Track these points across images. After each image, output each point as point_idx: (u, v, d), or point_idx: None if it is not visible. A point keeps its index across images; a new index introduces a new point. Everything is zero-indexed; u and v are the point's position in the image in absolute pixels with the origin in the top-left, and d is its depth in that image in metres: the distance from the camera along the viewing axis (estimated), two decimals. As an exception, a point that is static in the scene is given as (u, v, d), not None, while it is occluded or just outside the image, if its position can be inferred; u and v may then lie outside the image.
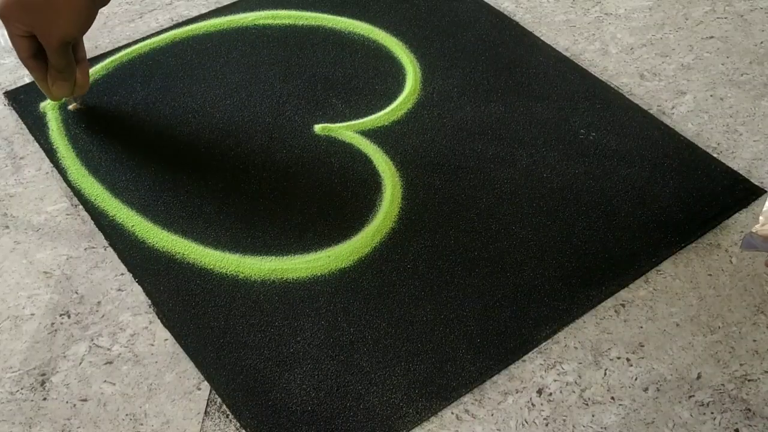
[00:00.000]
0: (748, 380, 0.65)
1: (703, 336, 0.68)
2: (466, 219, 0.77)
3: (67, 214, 0.78)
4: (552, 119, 0.87)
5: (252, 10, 1.02)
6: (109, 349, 0.68)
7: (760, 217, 0.66)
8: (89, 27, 0.73)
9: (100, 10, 1.00)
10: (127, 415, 0.63)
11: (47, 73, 0.74)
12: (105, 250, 0.75)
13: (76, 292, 0.72)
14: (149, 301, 0.71)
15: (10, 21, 0.66)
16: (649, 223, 0.77)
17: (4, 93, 0.91)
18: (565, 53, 0.96)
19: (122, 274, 0.73)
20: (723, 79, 0.93)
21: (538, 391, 0.65)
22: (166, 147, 0.84)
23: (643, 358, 0.67)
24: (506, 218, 0.77)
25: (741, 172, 0.82)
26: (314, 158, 0.83)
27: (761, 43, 0.98)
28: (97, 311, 0.70)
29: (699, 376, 0.66)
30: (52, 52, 0.70)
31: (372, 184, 0.81)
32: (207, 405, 0.64)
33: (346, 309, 0.70)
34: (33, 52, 0.70)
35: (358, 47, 0.96)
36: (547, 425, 0.63)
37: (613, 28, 1.00)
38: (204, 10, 1.02)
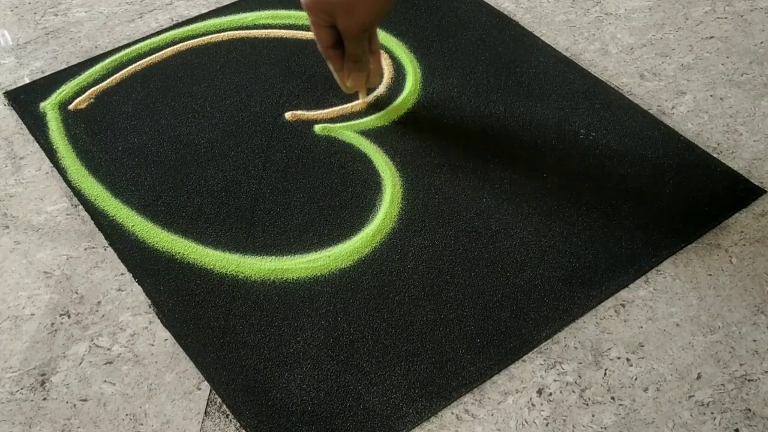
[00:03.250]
0: (748, 380, 0.65)
1: (703, 336, 0.68)
2: (466, 219, 0.77)
3: (67, 214, 0.78)
4: (552, 119, 0.87)
5: (252, 10, 1.02)
6: (109, 349, 0.68)
7: None
8: (385, 15, 0.75)
9: (99, 10, 1.01)
10: (127, 415, 0.63)
11: (344, 64, 0.76)
12: (105, 250, 0.75)
13: (76, 292, 0.72)
14: (149, 301, 0.71)
15: (314, 12, 0.70)
16: (649, 223, 0.77)
17: (4, 93, 0.91)
18: (565, 53, 0.96)
19: (122, 274, 0.73)
20: (723, 79, 0.93)
21: (538, 391, 0.65)
22: (166, 147, 0.84)
23: (643, 358, 0.67)
24: (506, 218, 0.77)
25: (741, 172, 0.82)
26: (314, 158, 0.83)
27: (761, 43, 0.98)
28: (97, 311, 0.70)
29: (699, 376, 0.66)
30: (350, 41, 0.73)
31: (372, 184, 0.81)
32: (207, 405, 0.64)
33: (346, 309, 0.70)
34: (333, 42, 0.73)
35: (358, 47, 0.96)
36: (547, 425, 0.63)
37: (613, 28, 1.00)
38: (204, 10, 1.02)
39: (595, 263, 0.73)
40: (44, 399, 0.64)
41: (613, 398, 0.64)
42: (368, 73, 0.81)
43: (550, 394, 0.64)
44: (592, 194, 0.79)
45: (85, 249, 0.75)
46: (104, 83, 0.92)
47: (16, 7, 1.03)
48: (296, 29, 0.99)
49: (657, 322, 0.69)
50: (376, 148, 0.84)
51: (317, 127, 0.86)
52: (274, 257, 0.74)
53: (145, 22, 1.01)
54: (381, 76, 0.86)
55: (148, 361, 0.67)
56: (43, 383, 0.65)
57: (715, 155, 0.84)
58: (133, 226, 0.77)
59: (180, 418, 0.63)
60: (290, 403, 0.63)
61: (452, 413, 0.63)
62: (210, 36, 0.98)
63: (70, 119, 0.87)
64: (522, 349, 0.67)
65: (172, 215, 0.78)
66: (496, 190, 0.80)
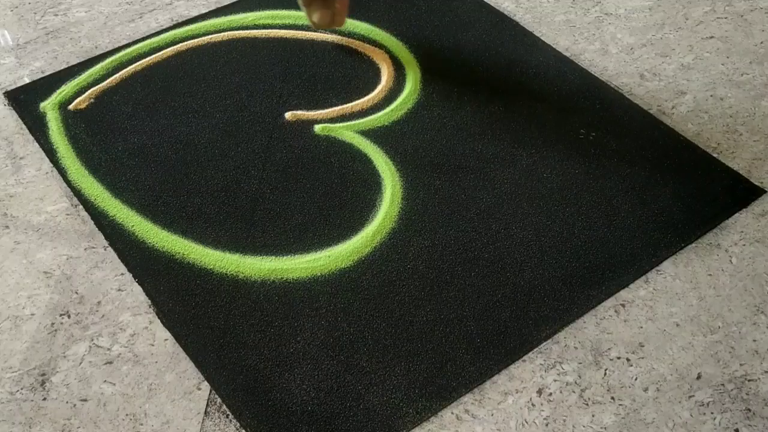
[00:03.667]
0: (748, 380, 0.65)
1: (703, 336, 0.68)
2: (466, 219, 0.77)
3: (67, 214, 0.78)
4: (552, 119, 0.87)
5: (252, 10, 1.02)
6: (109, 349, 0.68)
7: None
8: None
9: (99, 10, 1.01)
10: (127, 415, 0.63)
11: (311, 1, 0.87)
12: (105, 250, 0.75)
13: (76, 292, 0.72)
14: (149, 301, 0.71)
15: None
16: (649, 223, 0.77)
17: (4, 93, 0.91)
18: (565, 53, 0.96)
19: (122, 274, 0.73)
20: (723, 79, 0.93)
21: (538, 391, 0.65)
22: (166, 147, 0.84)
23: (643, 358, 0.67)
24: (506, 218, 0.77)
25: (741, 172, 0.82)
26: (314, 158, 0.83)
27: (761, 43, 0.98)
28: (97, 311, 0.70)
29: (699, 376, 0.66)
30: None
31: (372, 184, 0.81)
32: (207, 405, 0.64)
33: (346, 309, 0.70)
34: None
35: (357, 47, 0.96)
36: (547, 425, 0.63)
37: (613, 28, 1.00)
38: (204, 10, 1.02)
39: (595, 263, 0.73)
40: (44, 399, 0.64)
41: (613, 398, 0.64)
42: (334, 12, 0.88)
43: (550, 394, 0.64)
44: (592, 194, 0.79)
45: (85, 249, 0.75)
46: (104, 83, 0.92)
47: (16, 7, 1.03)
48: (296, 29, 0.99)
49: (657, 322, 0.69)
50: (376, 148, 0.84)
51: (317, 127, 0.86)
52: (274, 257, 0.74)
53: (145, 22, 1.01)
54: (345, 18, 0.94)
55: (148, 361, 0.67)
56: (43, 383, 0.65)
57: (715, 155, 0.84)
58: (133, 226, 0.77)
59: (180, 418, 0.63)
60: (290, 403, 0.63)
61: (452, 413, 0.63)
62: (210, 36, 0.98)
63: (70, 119, 0.87)
64: (522, 349, 0.67)
65: (172, 215, 0.78)
66: (496, 190, 0.80)
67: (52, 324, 0.69)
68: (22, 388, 0.65)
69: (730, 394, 0.64)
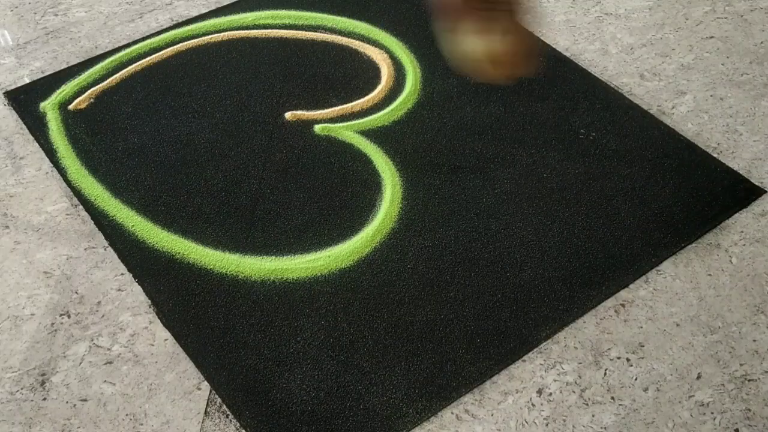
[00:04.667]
0: (748, 380, 0.65)
1: (703, 336, 0.68)
2: (466, 219, 0.77)
3: (67, 214, 0.78)
4: (552, 119, 0.87)
5: (252, 10, 1.02)
6: (109, 349, 0.68)
7: None
8: None
9: (99, 10, 1.01)
10: (127, 415, 0.63)
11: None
12: (105, 250, 0.75)
13: (76, 292, 0.72)
14: (149, 301, 0.71)
15: None
16: (649, 223, 0.77)
17: (4, 93, 0.91)
18: (565, 53, 0.96)
19: (122, 274, 0.73)
20: (723, 79, 0.93)
21: (538, 391, 0.65)
22: (166, 147, 0.84)
23: (643, 358, 0.67)
24: (506, 218, 0.77)
25: (741, 172, 0.82)
26: (314, 158, 0.83)
27: (761, 43, 0.98)
28: (97, 311, 0.70)
29: (699, 376, 0.66)
30: None
31: (372, 184, 0.81)
32: (207, 405, 0.64)
33: (346, 309, 0.70)
34: None
35: (357, 47, 0.96)
36: (547, 425, 0.63)
37: (613, 28, 1.00)
38: (204, 10, 1.02)
39: (595, 263, 0.73)
40: (44, 399, 0.64)
41: (613, 398, 0.64)
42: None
43: (550, 394, 0.64)
44: (592, 194, 0.79)
45: (85, 249, 0.75)
46: (104, 83, 0.92)
47: (16, 7, 1.03)
48: (296, 29, 0.99)
49: (657, 322, 0.69)
50: (376, 148, 0.84)
51: (317, 127, 0.86)
52: (274, 257, 0.74)
53: (145, 22, 1.01)
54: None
55: (148, 361, 0.67)
56: (43, 383, 0.65)
57: (715, 155, 0.84)
58: (133, 226, 0.77)
59: (180, 418, 0.63)
60: (290, 403, 0.63)
61: (452, 413, 0.63)
62: (210, 36, 0.98)
63: (70, 119, 0.87)
64: (522, 349, 0.67)
65: (172, 215, 0.78)
66: (496, 190, 0.80)
67: (52, 324, 0.69)
68: (22, 388, 0.65)
69: (730, 394, 0.64)
